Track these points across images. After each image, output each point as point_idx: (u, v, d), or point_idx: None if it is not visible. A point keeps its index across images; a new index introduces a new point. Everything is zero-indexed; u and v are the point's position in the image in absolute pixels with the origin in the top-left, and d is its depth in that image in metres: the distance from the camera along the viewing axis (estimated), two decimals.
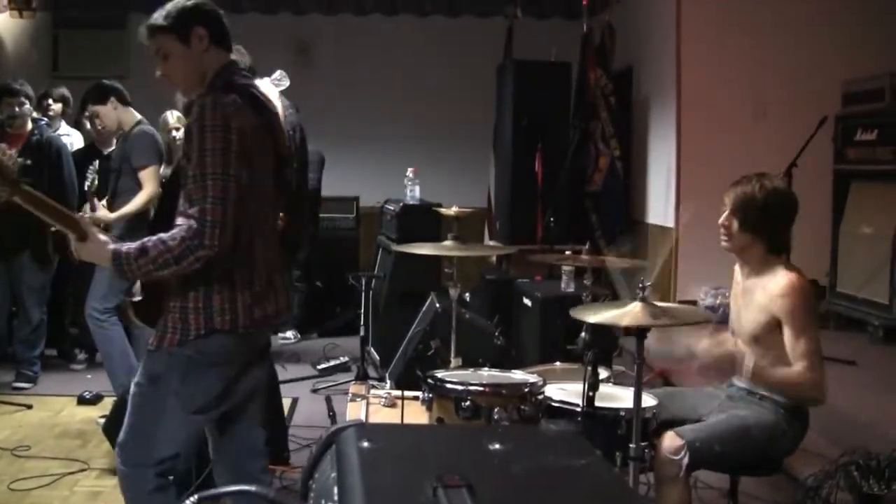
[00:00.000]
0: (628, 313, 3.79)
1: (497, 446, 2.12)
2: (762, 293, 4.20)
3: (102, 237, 3.61)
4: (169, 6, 3.68)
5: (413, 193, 8.63)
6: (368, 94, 11.40)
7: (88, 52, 11.48)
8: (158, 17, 3.66)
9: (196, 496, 2.01)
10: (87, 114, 7.15)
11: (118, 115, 6.90)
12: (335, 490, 1.96)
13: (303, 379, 8.06)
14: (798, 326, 4.08)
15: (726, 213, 4.32)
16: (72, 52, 11.68)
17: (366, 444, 2.09)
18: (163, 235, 3.45)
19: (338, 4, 11.64)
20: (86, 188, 6.13)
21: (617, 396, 4.31)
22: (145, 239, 3.50)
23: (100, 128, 7.14)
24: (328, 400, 6.71)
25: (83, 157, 7.79)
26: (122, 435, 3.74)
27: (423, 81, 11.44)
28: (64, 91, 8.88)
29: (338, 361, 8.49)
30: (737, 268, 4.57)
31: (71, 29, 11.71)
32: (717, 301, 7.73)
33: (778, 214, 4.25)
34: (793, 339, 4.10)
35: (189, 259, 3.40)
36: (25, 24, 11.81)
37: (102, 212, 6.55)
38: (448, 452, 2.20)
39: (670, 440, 4.06)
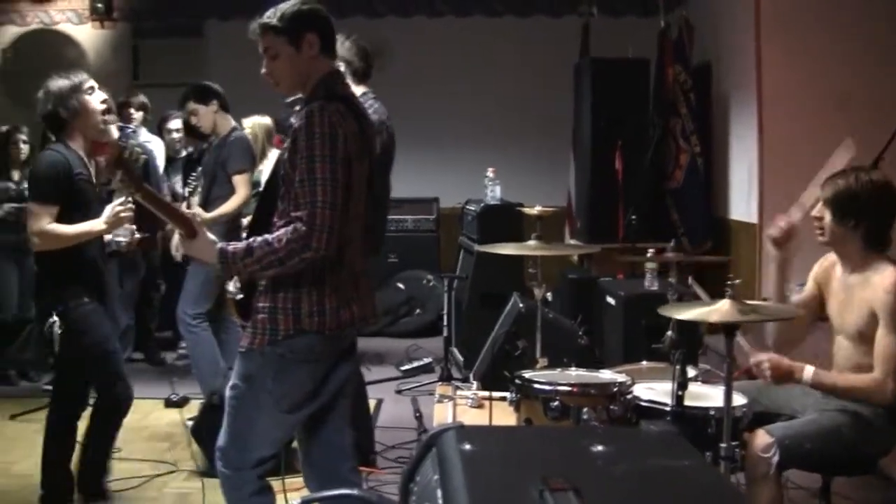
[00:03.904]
0: (717, 310, 3.77)
1: (599, 448, 2.11)
2: (866, 288, 4.12)
3: (211, 236, 3.72)
4: (284, 7, 3.70)
5: (493, 194, 8.63)
6: (445, 95, 11.39)
7: (167, 61, 11.61)
8: (272, 16, 3.68)
9: (300, 499, 2.03)
10: (186, 109, 7.19)
11: (215, 119, 6.99)
12: (439, 493, 1.96)
13: (386, 380, 8.08)
14: (892, 325, 4.01)
15: (819, 205, 4.26)
16: (151, 60, 11.82)
17: (467, 446, 2.10)
18: (268, 237, 3.53)
19: (411, 6, 11.67)
20: (186, 192, 6.21)
21: (705, 395, 4.28)
22: (250, 239, 3.58)
23: (195, 124, 7.21)
24: (414, 401, 6.72)
25: (186, 166, 7.94)
26: (221, 438, 3.81)
27: (500, 81, 11.39)
28: (143, 99, 8.99)
29: (421, 362, 8.50)
30: (819, 265, 4.51)
31: (150, 38, 11.85)
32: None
33: (874, 207, 4.16)
34: (883, 338, 4.03)
35: (294, 260, 3.47)
36: (106, 34, 11.96)
37: (198, 212, 6.65)
38: (550, 454, 2.19)
39: (760, 438, 4.02)
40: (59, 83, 4.83)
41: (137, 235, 4.98)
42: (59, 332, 4.69)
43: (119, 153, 3.77)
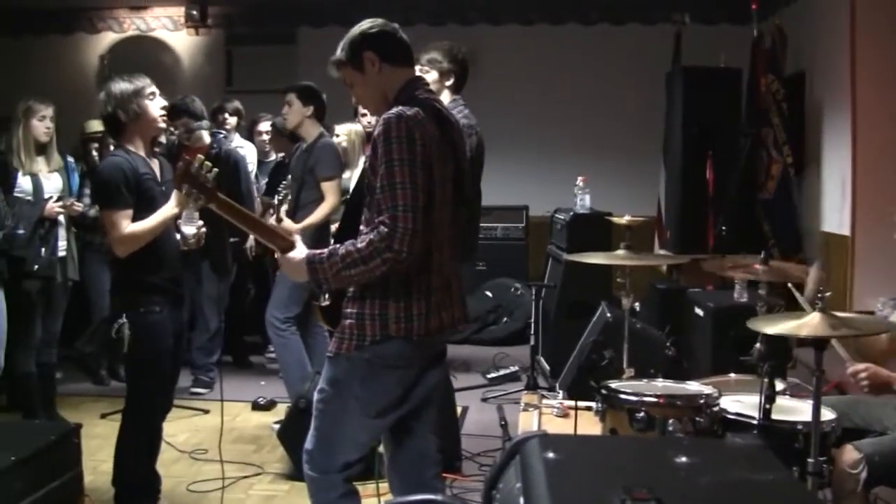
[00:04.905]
0: (807, 324, 3.72)
1: (683, 459, 2.09)
2: None
3: (300, 246, 3.82)
4: (345, 38, 3.88)
5: (583, 202, 8.60)
6: (536, 103, 11.40)
7: (260, 67, 11.76)
8: (338, 51, 3.87)
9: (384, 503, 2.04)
10: (285, 99, 7.19)
11: (304, 122, 7.04)
12: (521, 501, 1.97)
13: (473, 388, 8.08)
14: None
15: None
16: (244, 67, 11.99)
17: (550, 455, 2.09)
18: (352, 241, 3.59)
19: (504, 15, 11.70)
20: (276, 201, 6.27)
21: (793, 409, 4.23)
22: (335, 245, 3.66)
23: (284, 115, 7.25)
24: (500, 409, 6.73)
25: (275, 171, 7.99)
26: (308, 441, 3.86)
27: (591, 90, 11.38)
28: (237, 104, 9.10)
29: (507, 371, 8.49)
30: None
31: (243, 45, 12.04)
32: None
33: None
34: None
35: (376, 261, 3.51)
36: (200, 41, 12.17)
37: (287, 223, 6.71)
38: (633, 464, 2.18)
39: (848, 454, 3.96)
40: (120, 86, 4.83)
41: (204, 229, 4.97)
42: (128, 334, 4.72)
43: (186, 167, 3.82)
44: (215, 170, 3.94)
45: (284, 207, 7.04)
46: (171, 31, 12.19)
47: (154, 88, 4.93)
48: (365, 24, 3.89)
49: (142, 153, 4.90)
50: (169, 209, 4.72)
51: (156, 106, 4.91)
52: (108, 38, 12.25)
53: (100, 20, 12.22)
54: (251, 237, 8.21)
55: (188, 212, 4.78)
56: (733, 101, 9.49)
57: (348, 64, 3.84)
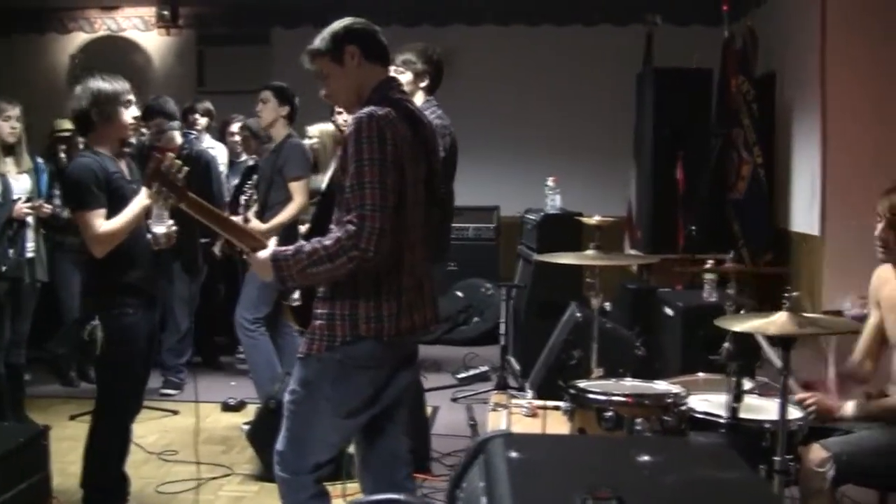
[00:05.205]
0: (774, 323, 3.74)
1: (646, 458, 2.09)
2: None
3: (267, 247, 3.80)
4: (325, 31, 3.87)
5: (554, 203, 8.61)
6: (509, 104, 11.40)
7: (233, 68, 11.72)
8: (316, 41, 3.86)
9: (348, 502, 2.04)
10: (260, 97, 7.16)
11: (276, 120, 7.04)
12: (483, 500, 1.97)
13: (443, 388, 8.08)
14: None
15: (882, 225, 4.21)
16: (217, 67, 11.95)
17: (514, 454, 2.09)
18: (319, 238, 3.59)
19: (479, 16, 11.70)
20: (243, 201, 6.23)
21: (761, 408, 4.25)
22: (301, 242, 3.68)
23: (258, 112, 7.23)
24: (469, 409, 6.72)
25: (247, 174, 7.99)
26: (279, 443, 3.86)
27: (563, 91, 11.39)
28: (208, 105, 9.07)
29: (477, 371, 8.46)
30: (873, 286, 4.46)
31: (215, 45, 11.99)
32: (865, 311, 7.52)
33: None
34: None
35: (342, 259, 3.51)
36: (172, 41, 12.13)
37: (254, 223, 6.70)
38: (597, 464, 2.18)
39: (816, 452, 3.99)
40: (99, 84, 4.78)
41: (174, 228, 4.92)
42: (100, 336, 4.67)
43: (157, 165, 3.81)
44: (186, 169, 3.92)
45: (254, 209, 7.04)
46: (143, 31, 12.16)
47: (132, 96, 4.88)
48: (347, 20, 3.89)
49: (109, 154, 4.86)
50: (140, 200, 4.65)
51: (129, 114, 4.88)
52: (79, 39, 12.21)
53: (71, 20, 12.18)
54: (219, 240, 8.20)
55: (158, 212, 4.75)
56: (704, 101, 9.49)
57: (327, 55, 3.84)
